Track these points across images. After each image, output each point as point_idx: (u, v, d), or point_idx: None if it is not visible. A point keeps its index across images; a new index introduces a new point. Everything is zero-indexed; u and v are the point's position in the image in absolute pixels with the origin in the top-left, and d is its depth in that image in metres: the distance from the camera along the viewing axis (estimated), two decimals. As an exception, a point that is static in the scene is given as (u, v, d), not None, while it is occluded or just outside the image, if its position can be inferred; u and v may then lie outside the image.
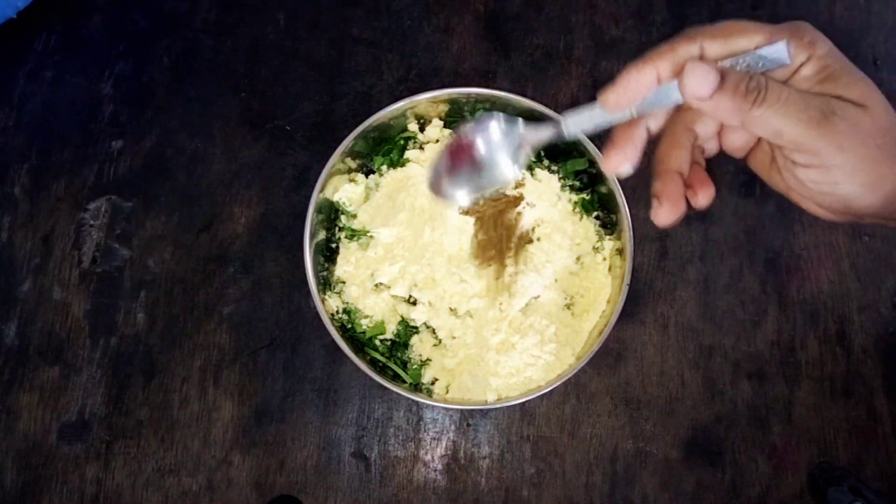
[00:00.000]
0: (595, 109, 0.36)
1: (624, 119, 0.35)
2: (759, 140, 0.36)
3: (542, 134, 0.41)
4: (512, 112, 0.64)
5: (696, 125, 0.36)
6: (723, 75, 0.30)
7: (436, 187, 0.46)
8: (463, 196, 0.45)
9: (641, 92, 0.33)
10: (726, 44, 0.33)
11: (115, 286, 0.70)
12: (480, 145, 0.44)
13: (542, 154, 0.65)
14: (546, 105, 0.61)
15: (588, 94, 0.76)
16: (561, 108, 0.73)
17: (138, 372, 0.68)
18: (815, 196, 0.32)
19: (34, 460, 0.67)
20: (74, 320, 0.69)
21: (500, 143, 0.43)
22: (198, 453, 0.67)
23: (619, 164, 0.36)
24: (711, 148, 0.38)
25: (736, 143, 0.36)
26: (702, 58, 0.33)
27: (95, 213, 0.72)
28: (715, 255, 0.73)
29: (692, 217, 0.73)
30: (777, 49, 0.31)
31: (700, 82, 0.30)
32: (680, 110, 0.36)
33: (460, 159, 0.45)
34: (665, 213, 0.35)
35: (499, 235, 0.61)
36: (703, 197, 0.36)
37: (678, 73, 0.31)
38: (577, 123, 0.38)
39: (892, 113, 0.30)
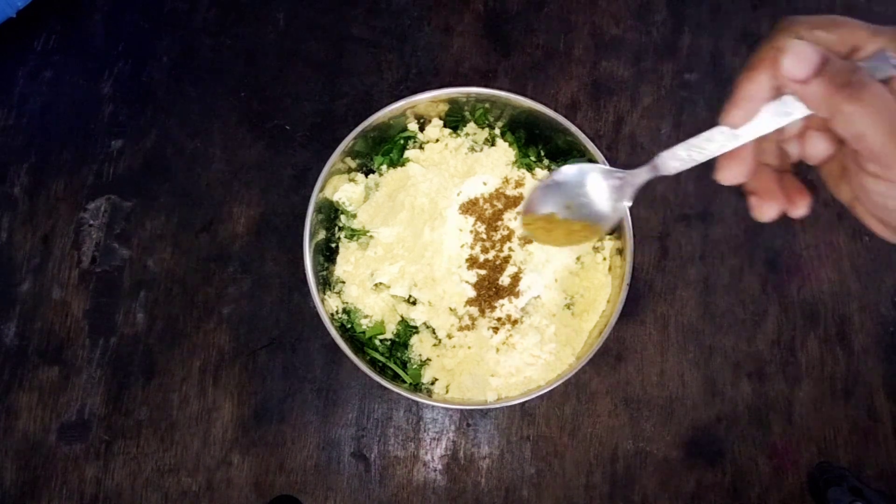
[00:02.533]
0: (691, 146, 0.35)
1: (722, 151, 0.34)
2: (837, 150, 0.34)
3: (638, 178, 0.40)
4: (512, 112, 0.63)
5: None
6: (824, 60, 0.29)
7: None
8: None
9: (762, 99, 0.32)
10: (826, 34, 0.31)
11: (114, 286, 0.70)
12: (571, 190, 0.45)
13: (542, 153, 0.65)
14: (546, 105, 0.61)
15: (587, 93, 0.76)
16: (561, 108, 0.73)
17: (138, 372, 0.68)
18: (878, 210, 0.31)
19: (34, 460, 0.66)
20: (74, 320, 0.69)
21: (594, 189, 0.44)
22: (197, 453, 0.67)
23: (739, 175, 0.34)
24: (794, 152, 0.36)
25: (817, 147, 0.34)
26: None
27: (95, 213, 0.72)
28: (715, 255, 0.73)
29: (692, 217, 0.73)
30: (880, 63, 0.30)
31: (800, 62, 0.29)
32: None
33: (546, 201, 0.46)
34: (768, 210, 0.34)
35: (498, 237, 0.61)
36: (801, 206, 0.35)
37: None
38: (675, 164, 0.36)
39: None
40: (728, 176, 0.34)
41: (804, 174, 0.36)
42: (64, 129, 0.73)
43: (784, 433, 0.69)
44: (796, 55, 0.29)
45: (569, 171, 0.44)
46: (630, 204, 0.42)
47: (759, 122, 0.33)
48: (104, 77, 0.75)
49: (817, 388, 0.70)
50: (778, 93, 0.31)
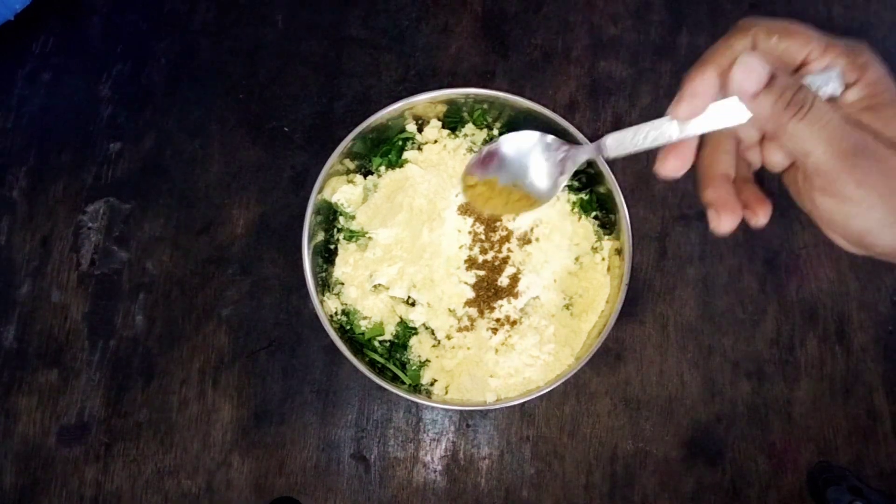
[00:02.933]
0: (638, 132, 0.35)
1: (667, 143, 0.34)
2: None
3: (581, 156, 0.40)
4: (510, 112, 0.63)
5: (739, 130, 0.35)
6: (772, 76, 0.30)
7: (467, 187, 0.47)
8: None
9: (710, 96, 0.32)
10: (780, 44, 0.32)
11: (113, 288, 0.70)
12: (514, 159, 0.44)
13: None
14: (545, 105, 0.61)
15: (586, 93, 0.76)
16: (559, 108, 0.73)
17: (137, 374, 0.68)
18: (829, 224, 0.32)
19: (33, 463, 0.66)
20: (73, 323, 0.69)
21: (537, 161, 0.43)
22: (197, 455, 0.67)
23: (677, 169, 0.34)
24: (755, 160, 0.37)
25: (775, 157, 0.35)
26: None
27: (94, 216, 0.71)
28: (714, 254, 0.73)
29: (691, 217, 0.73)
30: (828, 79, 0.31)
31: (749, 77, 0.29)
32: None
33: (488, 166, 0.45)
34: (725, 222, 0.34)
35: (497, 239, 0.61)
36: (762, 215, 0.35)
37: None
38: (618, 145, 0.36)
39: None
40: (666, 169, 0.34)
41: (769, 182, 0.37)
42: (62, 131, 0.73)
43: (783, 433, 0.69)
44: (746, 69, 0.30)
45: (514, 138, 0.43)
46: (566, 181, 0.42)
47: (705, 119, 0.33)
48: (103, 79, 0.75)
49: (817, 388, 0.70)
50: (726, 92, 0.32)
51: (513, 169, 0.45)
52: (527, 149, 0.43)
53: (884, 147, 0.29)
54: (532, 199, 0.44)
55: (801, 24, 0.32)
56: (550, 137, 0.43)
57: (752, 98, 0.30)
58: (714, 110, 0.33)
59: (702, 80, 0.32)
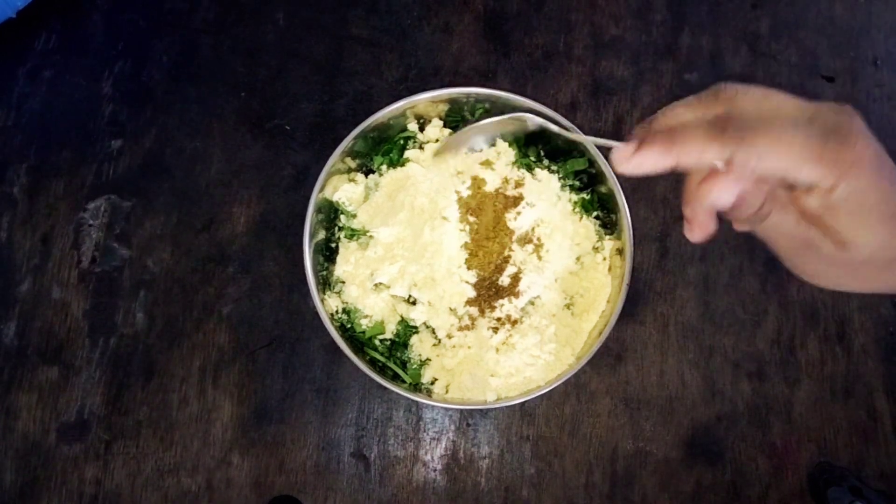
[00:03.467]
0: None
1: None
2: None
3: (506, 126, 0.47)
4: (511, 112, 0.63)
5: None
6: (740, 198, 0.33)
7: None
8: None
9: (714, 213, 0.34)
10: (758, 164, 0.30)
11: (114, 286, 0.70)
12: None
13: (542, 154, 0.65)
14: (546, 105, 0.61)
15: (588, 93, 0.76)
16: (561, 108, 0.73)
17: (137, 372, 0.68)
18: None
19: (33, 460, 0.66)
20: (73, 320, 0.69)
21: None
22: (197, 453, 0.67)
23: (705, 236, 0.36)
24: None
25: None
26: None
27: (94, 213, 0.71)
28: (715, 254, 0.73)
29: (692, 217, 0.73)
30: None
31: (724, 195, 0.32)
32: None
33: None
34: (697, 235, 0.36)
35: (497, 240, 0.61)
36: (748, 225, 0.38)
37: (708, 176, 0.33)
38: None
39: (878, 248, 0.31)
40: (697, 237, 0.36)
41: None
42: (63, 128, 0.73)
43: (784, 433, 0.69)
44: (719, 192, 0.32)
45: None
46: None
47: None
48: (104, 77, 0.75)
49: (817, 388, 0.70)
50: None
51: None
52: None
53: (829, 244, 0.32)
54: None
55: (776, 95, 0.30)
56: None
57: (728, 211, 0.34)
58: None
59: (701, 207, 0.34)
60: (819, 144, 0.28)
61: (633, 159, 0.33)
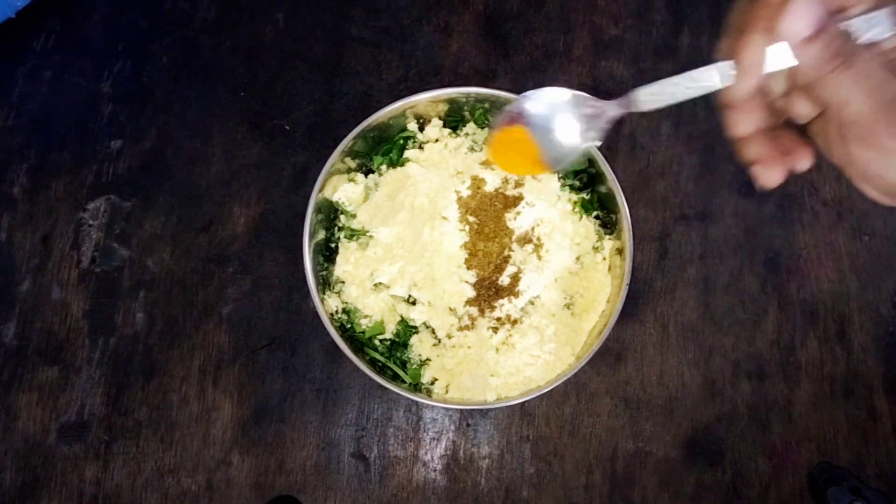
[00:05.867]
0: (671, 84, 0.35)
1: (697, 94, 0.34)
2: (823, 111, 0.34)
3: (609, 112, 0.39)
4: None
5: (767, 82, 0.34)
6: (823, 24, 0.29)
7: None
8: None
9: (763, 63, 0.31)
10: None
11: (114, 286, 0.70)
12: (541, 117, 0.43)
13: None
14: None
15: (588, 93, 0.76)
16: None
17: (137, 372, 0.68)
18: (866, 177, 0.31)
19: (33, 460, 0.66)
20: (73, 320, 0.69)
21: (564, 118, 0.42)
22: (197, 453, 0.67)
23: (752, 125, 0.34)
24: (783, 108, 0.36)
25: (803, 108, 0.34)
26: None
27: (94, 213, 0.71)
28: (715, 254, 0.73)
29: (692, 217, 0.73)
30: (873, 22, 0.30)
31: (803, 20, 0.29)
32: None
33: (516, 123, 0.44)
34: (773, 176, 0.34)
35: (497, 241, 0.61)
36: (805, 159, 0.34)
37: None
38: (651, 99, 0.36)
39: None
40: (742, 127, 0.33)
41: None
42: (63, 128, 0.73)
43: (784, 433, 0.69)
44: (798, 14, 0.29)
45: (541, 95, 0.42)
46: (599, 142, 0.41)
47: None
48: (104, 77, 0.75)
49: (817, 388, 0.70)
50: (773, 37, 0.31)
51: (539, 127, 0.43)
52: (554, 106, 0.42)
53: None
54: (549, 162, 0.44)
55: None
56: (578, 94, 0.42)
57: (800, 45, 0.29)
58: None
59: (752, 50, 0.31)
60: None
61: (747, 58, 0.31)
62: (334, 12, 0.77)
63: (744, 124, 0.34)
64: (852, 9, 0.31)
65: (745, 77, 0.32)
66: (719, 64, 0.34)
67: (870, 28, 0.30)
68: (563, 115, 0.42)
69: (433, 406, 0.68)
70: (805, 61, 0.30)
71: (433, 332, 0.61)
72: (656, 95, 0.36)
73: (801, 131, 0.36)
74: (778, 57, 0.31)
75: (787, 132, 0.35)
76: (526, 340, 0.60)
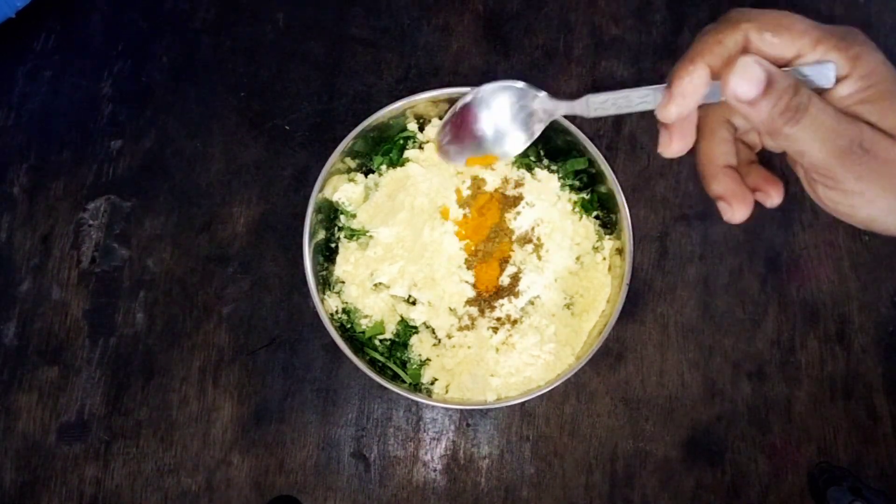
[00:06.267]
0: (619, 95, 0.35)
1: (641, 110, 0.34)
2: None
3: (560, 108, 0.40)
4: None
5: (733, 118, 0.35)
6: (769, 81, 0.29)
7: (441, 146, 0.47)
8: (463, 158, 0.47)
9: (699, 94, 0.32)
10: (773, 38, 0.30)
11: (114, 286, 0.70)
12: (487, 116, 0.44)
13: (542, 153, 0.65)
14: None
15: (588, 93, 0.76)
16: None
17: (137, 372, 0.68)
18: (838, 214, 0.32)
19: (33, 460, 0.66)
20: (73, 320, 0.69)
21: (510, 114, 0.43)
22: (197, 453, 0.67)
23: (681, 150, 0.34)
24: (754, 141, 0.36)
25: (770, 145, 0.35)
26: (745, 50, 0.31)
27: (94, 213, 0.71)
28: (715, 254, 0.73)
29: (692, 217, 0.73)
30: (821, 71, 0.30)
31: (748, 85, 0.29)
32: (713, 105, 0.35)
33: (466, 123, 0.45)
34: (738, 213, 0.34)
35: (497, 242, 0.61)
36: (775, 195, 0.35)
37: (727, 66, 0.30)
38: (601, 105, 0.37)
39: None
40: (671, 151, 0.34)
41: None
42: (63, 128, 0.73)
43: (784, 433, 0.69)
44: (745, 77, 0.29)
45: (487, 91, 0.44)
46: (538, 132, 0.42)
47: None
48: (104, 77, 0.75)
49: (817, 388, 0.70)
50: (722, 91, 0.31)
51: (485, 124, 0.45)
52: (500, 102, 0.44)
53: (882, 138, 0.29)
54: (497, 157, 0.46)
55: (791, 16, 0.31)
56: (522, 85, 0.42)
57: (748, 104, 0.29)
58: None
59: (691, 80, 0.31)
60: (828, 31, 0.30)
61: (678, 86, 0.31)
62: (334, 12, 0.77)
63: (670, 147, 0.34)
64: (801, 58, 0.31)
65: (670, 103, 0.32)
66: (661, 86, 0.34)
67: (815, 77, 0.30)
68: (506, 114, 0.44)
69: (433, 406, 0.68)
70: (755, 118, 0.30)
71: (433, 332, 0.61)
72: (605, 104, 0.37)
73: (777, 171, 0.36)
74: (711, 92, 0.32)
75: (758, 169, 0.36)
76: (526, 340, 0.60)
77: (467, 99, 0.45)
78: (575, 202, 0.64)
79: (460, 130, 0.46)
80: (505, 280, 0.61)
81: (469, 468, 0.68)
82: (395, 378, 0.61)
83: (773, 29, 0.31)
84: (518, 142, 0.44)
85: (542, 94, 0.42)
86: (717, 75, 0.31)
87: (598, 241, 0.64)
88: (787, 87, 0.29)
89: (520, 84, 0.43)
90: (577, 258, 0.63)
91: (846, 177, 0.29)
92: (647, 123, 0.75)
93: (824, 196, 0.31)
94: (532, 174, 0.64)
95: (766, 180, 0.35)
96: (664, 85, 0.34)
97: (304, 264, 0.59)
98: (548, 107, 0.42)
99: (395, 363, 0.61)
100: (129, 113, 0.74)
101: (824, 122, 0.29)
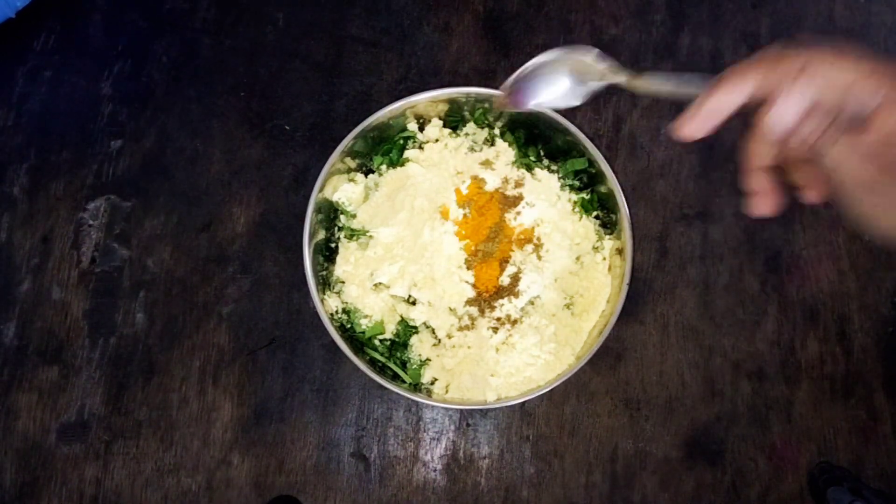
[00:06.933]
0: (672, 80, 0.36)
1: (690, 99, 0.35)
2: None
3: (617, 77, 0.42)
4: (510, 112, 0.63)
5: None
6: (798, 122, 0.31)
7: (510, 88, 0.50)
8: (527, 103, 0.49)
9: (725, 117, 0.32)
10: (830, 75, 0.31)
11: (114, 286, 0.70)
12: (557, 67, 0.48)
13: (542, 153, 0.65)
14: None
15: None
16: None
17: (137, 372, 0.68)
18: (858, 224, 0.34)
19: (33, 460, 0.66)
20: (73, 320, 0.69)
21: (576, 70, 0.46)
22: (197, 453, 0.67)
23: (693, 133, 0.34)
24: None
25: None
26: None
27: (94, 213, 0.71)
28: (715, 255, 0.73)
29: (692, 217, 0.73)
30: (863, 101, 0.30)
31: (781, 126, 0.31)
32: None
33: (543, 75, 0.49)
34: (759, 209, 0.35)
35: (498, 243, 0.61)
36: (814, 195, 0.35)
37: (759, 95, 0.31)
38: (653, 83, 0.38)
39: None
40: (685, 131, 0.34)
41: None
42: (63, 128, 0.73)
43: (784, 433, 0.69)
44: (780, 118, 0.31)
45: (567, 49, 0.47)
46: (583, 100, 0.45)
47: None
48: (104, 77, 0.75)
49: (817, 388, 0.70)
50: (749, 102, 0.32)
51: (544, 85, 0.49)
52: (560, 69, 0.47)
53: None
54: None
55: (850, 50, 0.31)
56: (600, 54, 0.45)
57: (786, 132, 0.31)
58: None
59: (721, 100, 0.32)
60: (871, 61, 0.30)
61: (705, 104, 0.32)
62: (334, 12, 0.77)
63: (686, 127, 0.35)
64: (851, 89, 0.31)
65: (695, 120, 0.33)
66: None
67: (856, 107, 0.31)
68: (565, 79, 0.47)
69: (433, 406, 0.68)
70: (792, 142, 0.32)
71: (433, 332, 0.61)
72: (659, 84, 0.37)
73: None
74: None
75: (809, 167, 0.36)
76: (526, 340, 0.60)
77: (553, 55, 0.48)
78: (575, 202, 0.64)
79: (533, 81, 0.50)
80: (505, 280, 0.61)
81: (469, 468, 0.68)
82: (395, 378, 0.61)
83: (835, 63, 0.31)
84: (576, 95, 0.47)
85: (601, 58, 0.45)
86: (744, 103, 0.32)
87: (598, 241, 0.64)
88: (814, 129, 0.31)
89: (595, 50, 0.46)
90: (577, 258, 0.63)
91: (864, 203, 0.31)
92: (647, 123, 0.75)
93: (848, 207, 0.32)
94: (532, 174, 0.64)
95: (814, 179, 0.36)
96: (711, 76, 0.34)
97: (304, 264, 0.59)
98: (600, 70, 0.44)
99: (395, 363, 0.61)
100: (130, 113, 0.74)
101: (854, 150, 0.31)
